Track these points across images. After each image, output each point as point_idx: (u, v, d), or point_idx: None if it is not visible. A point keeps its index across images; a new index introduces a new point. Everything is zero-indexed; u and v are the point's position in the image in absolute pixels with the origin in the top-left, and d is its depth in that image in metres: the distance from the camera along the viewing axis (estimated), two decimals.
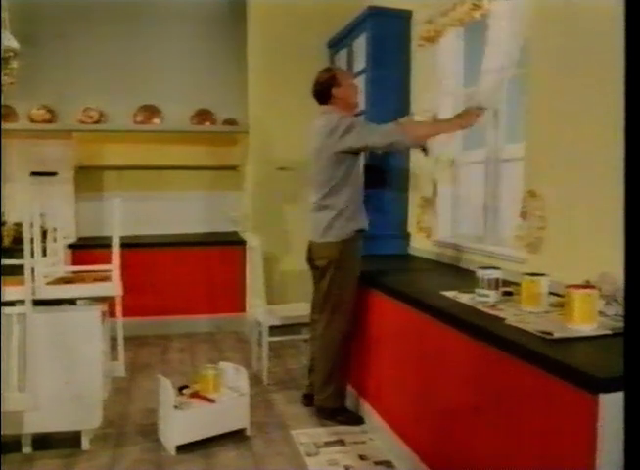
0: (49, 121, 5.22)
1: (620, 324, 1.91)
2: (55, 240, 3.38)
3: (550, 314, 2.14)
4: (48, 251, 3.22)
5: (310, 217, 3.33)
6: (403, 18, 3.90)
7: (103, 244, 3.66)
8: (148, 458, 2.91)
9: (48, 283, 3.02)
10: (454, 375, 2.32)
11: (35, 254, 2.90)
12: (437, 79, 3.46)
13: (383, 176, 3.89)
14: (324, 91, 3.28)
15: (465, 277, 2.92)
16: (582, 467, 1.60)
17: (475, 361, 2.16)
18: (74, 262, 4.62)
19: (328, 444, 3.06)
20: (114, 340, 3.46)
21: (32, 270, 2.85)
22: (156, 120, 5.49)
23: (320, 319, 3.32)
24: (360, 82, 4.01)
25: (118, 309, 3.27)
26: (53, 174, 5.18)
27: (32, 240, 2.86)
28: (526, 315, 2.13)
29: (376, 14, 3.90)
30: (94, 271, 3.26)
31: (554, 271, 2.33)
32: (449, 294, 2.55)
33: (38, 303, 2.89)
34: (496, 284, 2.35)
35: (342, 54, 4.57)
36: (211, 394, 3.12)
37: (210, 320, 5.24)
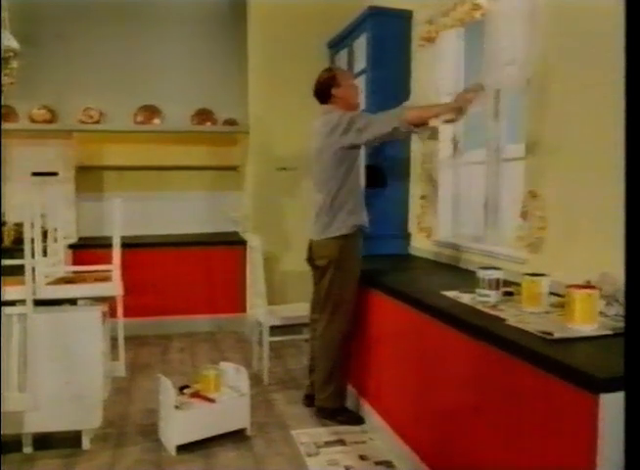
0: (49, 121, 5.22)
1: (621, 324, 1.91)
2: (55, 240, 3.38)
3: (551, 315, 2.14)
4: (48, 251, 3.22)
5: (312, 217, 3.33)
6: (403, 18, 3.90)
7: (103, 244, 3.68)
8: (148, 458, 2.91)
9: (48, 283, 3.02)
10: (455, 375, 2.32)
11: (36, 254, 2.91)
12: (437, 79, 3.46)
13: (383, 176, 3.89)
14: (324, 91, 3.28)
15: (465, 277, 2.92)
16: (583, 467, 1.60)
17: (475, 361, 2.16)
18: (75, 263, 4.62)
19: (328, 444, 3.06)
20: (114, 340, 3.47)
21: (33, 270, 2.85)
22: (156, 121, 5.49)
23: (320, 319, 3.33)
24: (360, 82, 4.01)
25: (119, 309, 3.28)
26: (53, 174, 5.18)
27: (33, 240, 2.87)
28: (527, 315, 2.13)
29: (376, 14, 3.90)
30: (95, 271, 3.26)
31: (554, 271, 2.33)
32: (450, 294, 2.55)
33: (39, 303, 2.89)
34: (497, 284, 2.35)
35: (343, 54, 4.57)
36: (212, 394, 3.12)
37: (211, 320, 5.24)
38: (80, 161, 5.27)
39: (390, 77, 3.62)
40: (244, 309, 5.18)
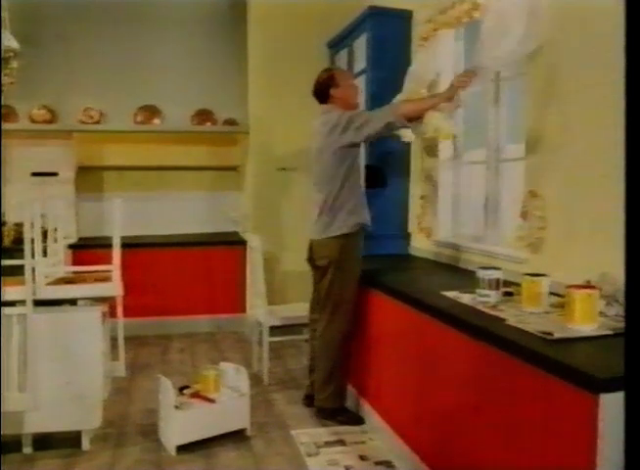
0: (49, 122, 5.22)
1: (621, 324, 1.91)
2: (55, 240, 3.38)
3: (551, 315, 2.14)
4: (48, 251, 3.22)
5: (312, 216, 3.33)
6: (403, 18, 3.90)
7: (103, 244, 3.68)
8: (148, 458, 2.91)
9: (48, 283, 3.02)
10: (454, 375, 2.32)
11: (36, 254, 2.91)
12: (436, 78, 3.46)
13: (383, 176, 3.89)
14: (323, 91, 3.29)
15: (465, 277, 2.92)
16: (583, 467, 1.60)
17: (475, 362, 2.16)
18: (75, 263, 4.62)
19: (328, 444, 3.06)
20: (114, 340, 3.47)
21: (33, 270, 2.85)
22: (156, 121, 5.49)
23: (320, 319, 3.33)
24: (360, 82, 4.01)
25: (119, 310, 3.28)
26: (53, 175, 5.18)
27: (33, 240, 2.87)
28: (527, 316, 2.13)
29: (376, 14, 3.90)
30: (94, 271, 3.27)
31: (554, 271, 2.33)
32: (450, 294, 2.55)
33: (39, 303, 2.89)
34: (497, 284, 2.35)
35: (343, 54, 4.57)
36: (212, 394, 3.12)
37: (211, 320, 5.24)
38: (80, 161, 5.27)
39: (390, 77, 3.62)
40: (244, 310, 5.18)
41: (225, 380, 3.25)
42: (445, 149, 3.62)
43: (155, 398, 3.22)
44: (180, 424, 2.96)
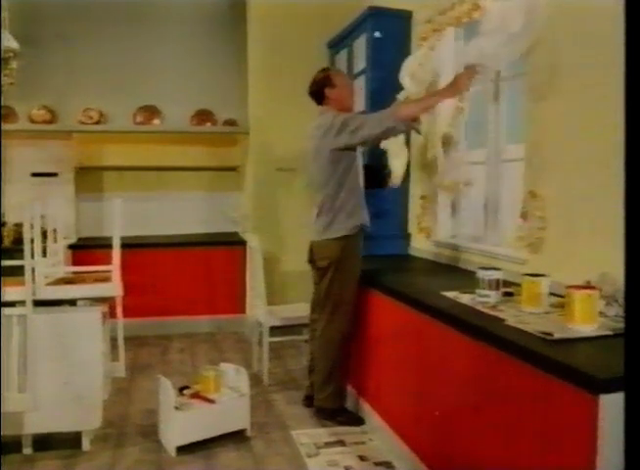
0: (49, 122, 5.22)
1: (621, 325, 1.91)
2: (55, 240, 3.38)
3: (550, 315, 2.14)
4: (48, 251, 3.22)
5: (312, 218, 3.33)
6: (403, 18, 3.90)
7: (103, 244, 3.68)
8: (148, 459, 2.91)
9: (48, 284, 3.02)
10: (454, 375, 2.32)
11: (35, 254, 2.91)
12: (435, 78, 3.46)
13: (382, 176, 3.89)
14: (319, 91, 3.28)
15: (465, 278, 2.91)
16: (583, 467, 1.60)
17: (475, 362, 2.16)
18: (75, 263, 4.61)
19: (328, 444, 3.06)
20: (114, 340, 3.46)
21: (33, 271, 2.85)
22: (156, 121, 5.49)
23: (320, 319, 3.33)
24: (360, 82, 4.01)
25: (119, 310, 3.27)
26: (53, 175, 5.18)
27: (33, 240, 2.87)
28: (527, 316, 2.13)
29: (376, 14, 3.90)
30: (94, 272, 3.26)
31: (554, 272, 2.33)
32: (450, 294, 2.55)
33: (38, 303, 2.89)
34: (497, 285, 2.35)
35: (343, 54, 4.57)
36: (212, 394, 3.12)
37: (211, 321, 5.24)
38: (80, 161, 5.27)
39: (390, 77, 3.62)
40: (244, 310, 5.18)
41: (225, 380, 3.25)
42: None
43: (155, 398, 3.22)
44: (180, 425, 2.96)
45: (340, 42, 4.61)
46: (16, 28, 3.35)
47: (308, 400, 3.50)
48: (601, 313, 2.03)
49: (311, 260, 3.39)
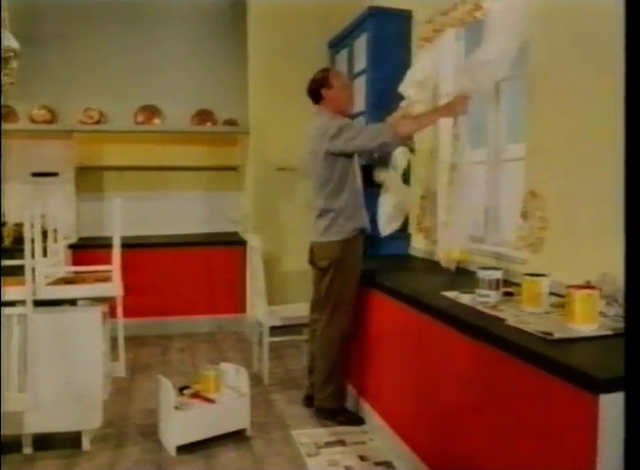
0: (49, 122, 5.22)
1: (621, 325, 1.91)
2: (55, 240, 3.38)
3: (551, 315, 2.14)
4: (48, 251, 3.22)
5: (312, 219, 3.33)
6: (403, 18, 3.90)
7: (103, 244, 3.68)
8: (148, 459, 2.91)
9: (48, 283, 3.02)
10: (454, 375, 2.32)
11: (36, 254, 2.91)
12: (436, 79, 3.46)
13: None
14: (316, 90, 3.28)
15: (465, 278, 2.92)
16: (583, 467, 1.60)
17: (475, 362, 2.16)
18: (75, 263, 4.62)
19: (328, 444, 3.06)
20: (114, 340, 3.47)
21: (33, 271, 2.85)
22: (156, 121, 5.49)
23: (320, 319, 3.33)
24: (361, 82, 4.01)
25: (119, 310, 3.28)
26: (53, 175, 5.18)
27: (33, 240, 2.86)
28: (527, 316, 2.13)
29: (376, 14, 3.90)
30: (95, 272, 3.26)
31: (555, 272, 2.33)
32: (450, 294, 2.54)
33: (39, 303, 2.89)
34: (497, 284, 2.35)
35: (343, 54, 4.57)
36: (212, 394, 3.12)
37: (211, 320, 5.24)
38: (80, 161, 5.27)
39: (390, 77, 3.62)
40: (244, 310, 5.18)
41: (225, 380, 3.25)
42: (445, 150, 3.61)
43: (155, 398, 3.22)
44: (180, 424, 2.96)
45: (340, 42, 4.61)
46: (16, 28, 3.34)
47: (308, 400, 3.50)
48: (601, 313, 2.03)
49: (312, 261, 3.39)
